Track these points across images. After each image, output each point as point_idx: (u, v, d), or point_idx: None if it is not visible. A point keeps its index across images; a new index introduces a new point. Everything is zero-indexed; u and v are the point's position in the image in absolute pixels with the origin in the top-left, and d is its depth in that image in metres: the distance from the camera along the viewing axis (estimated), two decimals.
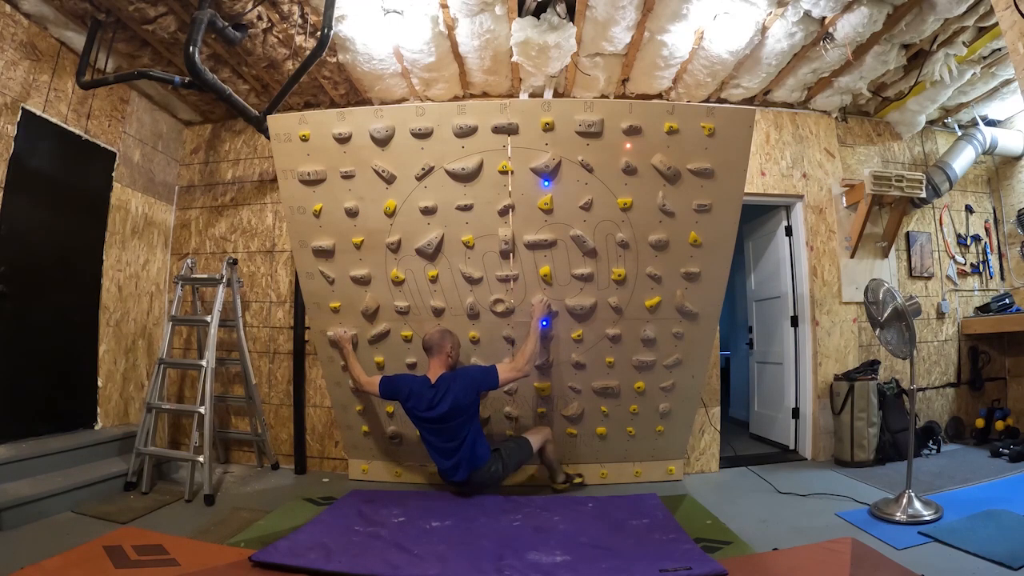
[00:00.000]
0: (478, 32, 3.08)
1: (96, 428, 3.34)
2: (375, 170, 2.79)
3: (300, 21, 3.03)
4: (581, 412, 3.18)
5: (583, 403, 3.16)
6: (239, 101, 3.16)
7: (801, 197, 3.97)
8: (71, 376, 3.26)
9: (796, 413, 3.98)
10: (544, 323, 2.93)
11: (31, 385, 2.97)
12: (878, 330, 2.89)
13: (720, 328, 3.60)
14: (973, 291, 4.28)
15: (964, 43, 3.29)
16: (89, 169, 3.39)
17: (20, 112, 2.87)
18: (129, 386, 3.62)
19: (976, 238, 4.34)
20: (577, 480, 3.20)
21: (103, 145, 3.44)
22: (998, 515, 2.47)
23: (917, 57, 3.46)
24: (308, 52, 3.00)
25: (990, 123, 4.22)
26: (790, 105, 4.00)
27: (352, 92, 3.73)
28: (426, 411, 2.82)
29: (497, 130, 2.72)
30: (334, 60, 3.32)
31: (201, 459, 2.94)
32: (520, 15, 2.99)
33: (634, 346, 3.04)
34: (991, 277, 4.32)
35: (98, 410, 3.37)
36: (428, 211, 2.84)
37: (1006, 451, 3.50)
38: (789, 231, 4.11)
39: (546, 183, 2.79)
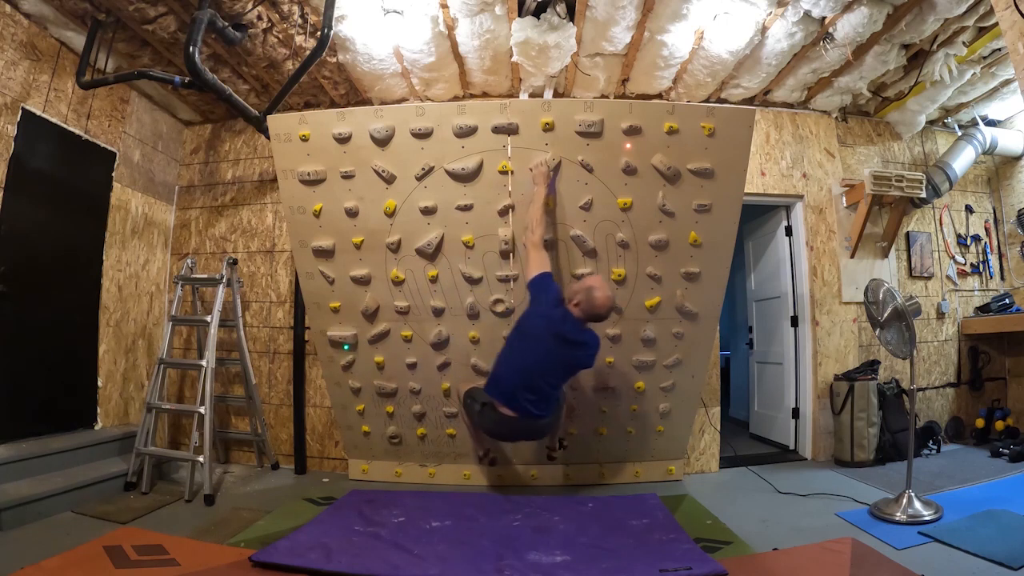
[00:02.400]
0: (478, 32, 3.08)
1: (96, 428, 3.34)
2: (375, 170, 2.79)
3: (300, 21, 3.03)
4: (581, 412, 3.18)
5: (583, 403, 3.16)
6: (239, 101, 3.16)
7: (801, 197, 3.97)
8: (71, 376, 3.26)
9: (796, 413, 3.98)
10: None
11: (31, 385, 2.97)
12: (878, 330, 2.89)
13: (720, 328, 3.60)
14: (973, 291, 4.28)
15: (964, 43, 3.29)
16: (89, 169, 3.38)
17: (20, 112, 2.87)
18: (129, 386, 3.62)
19: (976, 238, 4.34)
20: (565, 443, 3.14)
21: (103, 145, 3.44)
22: (998, 515, 2.47)
23: (917, 57, 3.46)
24: (308, 52, 3.00)
25: (990, 123, 4.22)
26: (790, 105, 4.00)
27: (352, 92, 3.73)
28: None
29: (497, 130, 2.71)
30: (334, 60, 3.32)
31: (201, 459, 2.94)
32: (520, 15, 2.99)
33: (634, 346, 3.04)
34: (991, 277, 4.32)
35: (98, 410, 3.37)
36: (428, 211, 2.83)
37: (1006, 451, 3.51)
38: (789, 231, 4.11)
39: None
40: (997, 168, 4.48)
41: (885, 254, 4.01)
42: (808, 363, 3.89)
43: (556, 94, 3.67)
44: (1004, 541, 2.17)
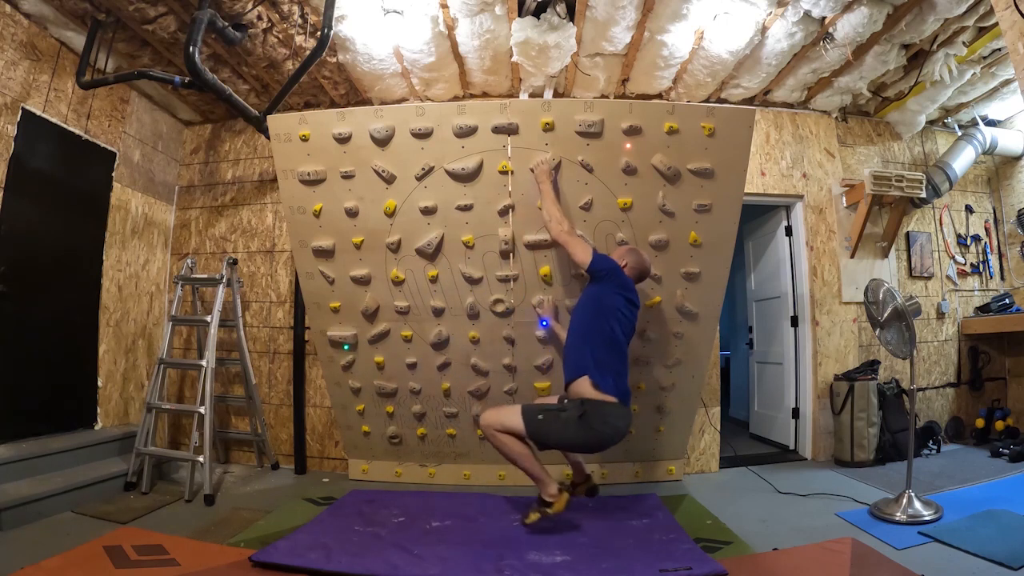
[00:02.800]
0: (478, 32, 3.08)
1: (96, 428, 3.34)
2: (375, 170, 2.78)
3: (300, 21, 3.03)
4: None
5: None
6: (239, 101, 3.16)
7: (801, 197, 3.97)
8: (71, 376, 3.26)
9: (796, 413, 3.98)
10: (543, 323, 2.93)
11: (31, 385, 2.97)
12: (878, 330, 2.89)
13: (720, 328, 3.60)
14: (973, 291, 4.28)
15: (964, 43, 3.29)
16: (89, 169, 3.38)
17: (20, 112, 2.87)
18: (129, 386, 3.62)
19: (976, 238, 4.34)
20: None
21: (103, 145, 3.44)
22: (998, 515, 2.48)
23: (917, 57, 3.46)
24: (308, 52, 3.00)
25: (990, 123, 4.22)
26: (790, 105, 4.00)
27: (352, 92, 3.73)
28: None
29: (497, 130, 2.71)
30: (334, 60, 3.32)
31: (201, 459, 2.94)
32: (520, 15, 2.99)
33: (634, 346, 3.03)
34: (991, 277, 4.32)
35: (98, 410, 3.37)
36: (428, 211, 2.83)
37: (1006, 451, 3.51)
38: (789, 231, 4.11)
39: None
40: (997, 168, 4.48)
41: (885, 254, 4.01)
42: (808, 363, 3.89)
43: (556, 94, 3.67)
44: (1004, 541, 2.17)
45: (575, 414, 2.32)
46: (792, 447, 3.97)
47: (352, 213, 2.86)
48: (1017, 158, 4.34)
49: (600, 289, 2.52)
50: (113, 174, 3.52)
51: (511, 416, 2.41)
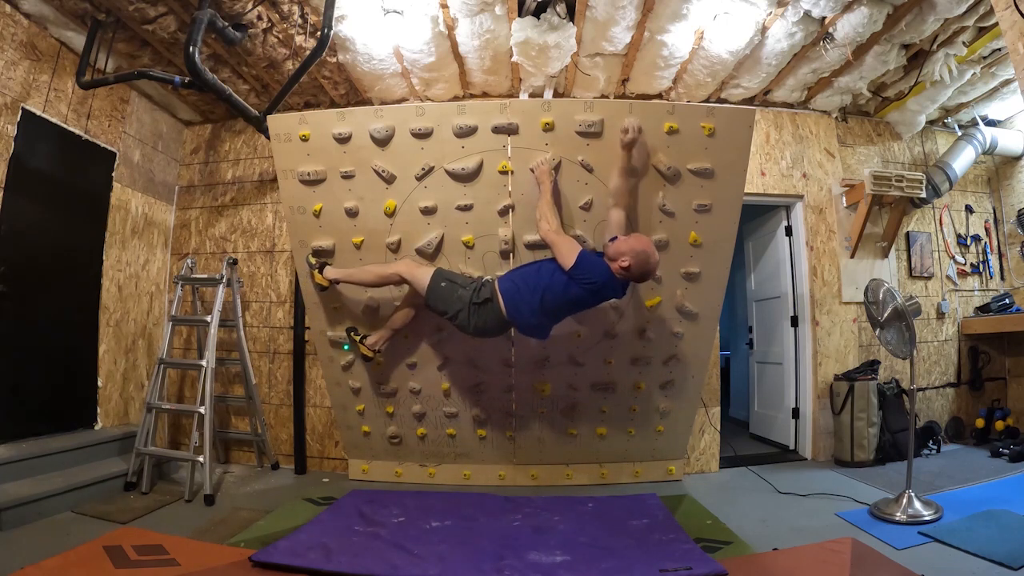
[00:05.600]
0: (478, 32, 3.09)
1: (96, 428, 3.34)
2: (375, 170, 2.78)
3: (300, 21, 3.03)
4: (581, 412, 3.17)
5: (582, 402, 3.16)
6: (239, 101, 3.16)
7: (801, 197, 3.97)
8: (71, 376, 3.26)
9: (796, 413, 3.98)
10: None
11: (31, 385, 2.97)
12: (878, 330, 2.89)
13: (720, 328, 3.59)
14: (973, 291, 4.28)
15: (964, 43, 3.29)
16: (89, 169, 3.38)
17: (20, 112, 2.87)
18: (129, 386, 3.62)
19: (976, 238, 4.34)
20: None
21: (103, 145, 3.44)
22: (998, 515, 2.48)
23: (917, 57, 3.46)
24: (308, 52, 3.00)
25: (990, 123, 4.22)
26: (790, 105, 4.00)
27: (352, 92, 3.73)
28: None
29: (497, 130, 2.71)
30: (334, 60, 3.32)
31: (201, 459, 2.95)
32: (520, 15, 2.99)
33: (634, 346, 3.04)
34: (991, 277, 4.32)
35: (98, 410, 3.37)
36: (428, 211, 2.83)
37: (1006, 451, 3.51)
38: (789, 231, 4.11)
39: None
40: (997, 168, 4.48)
41: (885, 254, 4.01)
42: (808, 363, 3.89)
43: (556, 94, 3.67)
44: (1004, 541, 2.18)
45: (473, 297, 2.53)
46: (792, 447, 3.97)
47: (352, 213, 2.86)
48: (1017, 158, 4.34)
49: (576, 287, 2.47)
50: (113, 174, 3.52)
51: (422, 276, 2.64)
